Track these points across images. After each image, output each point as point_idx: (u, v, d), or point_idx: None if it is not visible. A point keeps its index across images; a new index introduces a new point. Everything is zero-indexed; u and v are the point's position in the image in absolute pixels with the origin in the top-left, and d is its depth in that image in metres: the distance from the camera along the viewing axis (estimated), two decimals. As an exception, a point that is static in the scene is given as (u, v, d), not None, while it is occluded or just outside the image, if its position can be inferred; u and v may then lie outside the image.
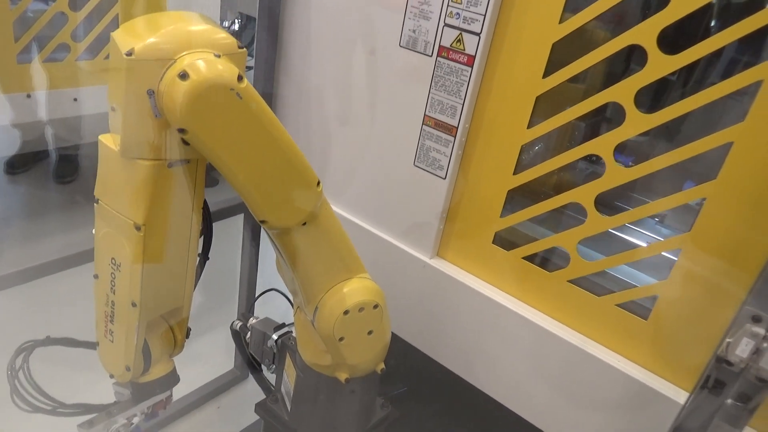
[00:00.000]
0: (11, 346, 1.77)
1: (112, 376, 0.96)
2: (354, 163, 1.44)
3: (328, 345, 0.92)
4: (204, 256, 0.96)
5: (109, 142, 0.78)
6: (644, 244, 1.19)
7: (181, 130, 0.70)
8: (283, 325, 1.16)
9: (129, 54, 0.67)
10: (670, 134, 1.11)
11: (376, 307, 0.93)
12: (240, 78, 0.70)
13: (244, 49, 0.75)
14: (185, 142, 0.74)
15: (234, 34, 2.55)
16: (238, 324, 1.22)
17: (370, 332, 0.94)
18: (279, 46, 1.52)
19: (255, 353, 1.19)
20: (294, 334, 1.08)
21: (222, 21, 2.41)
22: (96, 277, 0.89)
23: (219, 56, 0.70)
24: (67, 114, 2.05)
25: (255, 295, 1.72)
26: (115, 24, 2.17)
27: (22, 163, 2.49)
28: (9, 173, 2.47)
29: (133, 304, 0.84)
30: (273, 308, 1.35)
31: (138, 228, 0.77)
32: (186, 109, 0.68)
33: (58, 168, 2.52)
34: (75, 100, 2.06)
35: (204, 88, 0.68)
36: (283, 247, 0.86)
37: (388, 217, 1.39)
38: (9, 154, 2.37)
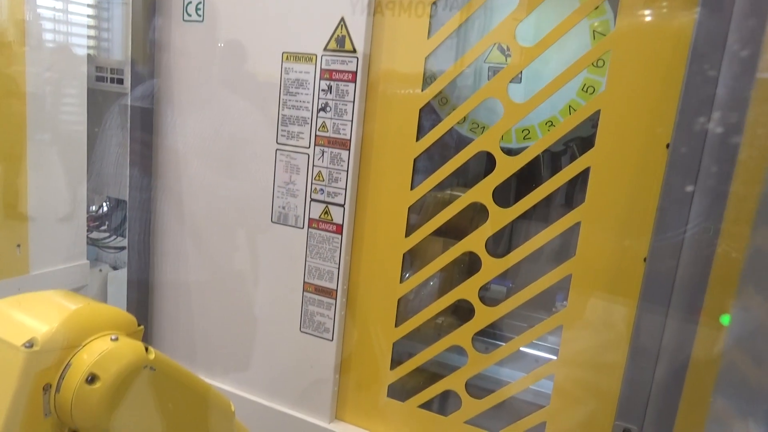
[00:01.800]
0: None
1: None
2: (241, 338, 1.43)
3: None
4: None
5: None
6: (547, 355, 1.26)
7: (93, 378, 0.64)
8: None
9: (29, 345, 0.61)
10: (521, 277, 1.24)
11: None
12: (146, 349, 0.68)
13: (142, 327, 0.74)
14: None
15: (102, 216, 2.52)
16: None
17: None
18: (153, 231, 1.53)
19: None
20: None
21: (89, 205, 2.38)
22: None
23: (117, 338, 0.66)
24: None
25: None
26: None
27: None
28: None
29: None
30: None
31: None
32: (105, 414, 0.63)
33: None
34: None
35: (119, 383, 0.64)
36: None
37: (281, 387, 1.37)
38: None
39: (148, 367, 0.67)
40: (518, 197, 1.09)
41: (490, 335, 1.28)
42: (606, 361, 1.04)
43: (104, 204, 2.38)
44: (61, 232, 2.33)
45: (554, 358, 1.13)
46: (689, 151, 0.90)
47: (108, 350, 0.64)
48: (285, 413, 1.34)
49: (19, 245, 2.15)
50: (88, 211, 2.35)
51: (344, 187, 1.20)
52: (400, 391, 1.28)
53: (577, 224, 1.04)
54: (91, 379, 0.62)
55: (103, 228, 2.45)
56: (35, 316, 0.66)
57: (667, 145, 0.94)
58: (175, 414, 0.75)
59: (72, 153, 2.40)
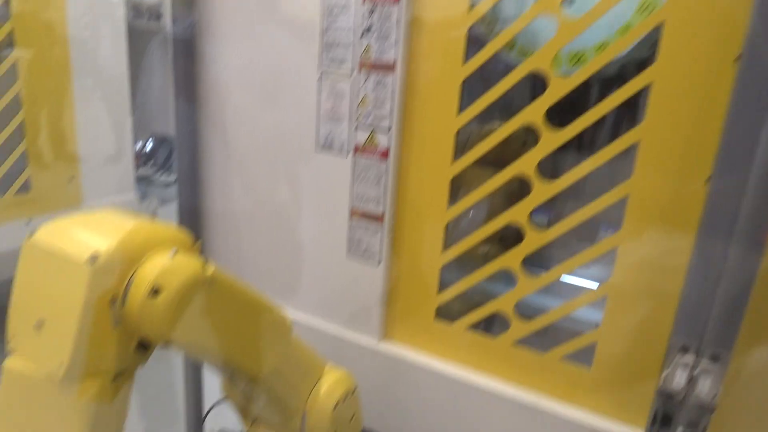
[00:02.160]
0: None
1: None
2: (289, 264, 1.46)
3: None
4: None
5: (22, 368, 0.66)
6: (591, 285, 1.26)
7: (166, 342, 0.68)
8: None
9: (93, 260, 0.63)
10: (578, 194, 1.22)
11: (354, 391, 0.94)
12: (205, 263, 0.69)
13: (200, 240, 0.75)
14: (144, 347, 0.70)
15: (148, 154, 2.57)
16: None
17: (352, 417, 0.95)
18: (200, 163, 1.56)
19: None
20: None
21: (135, 142, 2.43)
22: None
23: (176, 251, 0.68)
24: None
25: (202, 411, 1.65)
26: (22, 160, 2.14)
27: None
28: None
29: None
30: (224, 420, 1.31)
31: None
32: (169, 325, 0.66)
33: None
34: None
35: (182, 295, 0.66)
36: (262, 383, 0.85)
37: (329, 310, 1.42)
38: None
39: (208, 280, 0.69)
40: (571, 121, 1.06)
41: (537, 264, 1.27)
42: (662, 281, 1.02)
43: (149, 141, 2.43)
44: (109, 167, 2.39)
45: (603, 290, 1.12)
46: (761, 64, 0.84)
47: (169, 264, 0.66)
48: (334, 335, 1.39)
49: (73, 177, 2.23)
50: (134, 149, 2.40)
51: (389, 112, 1.18)
52: (448, 314, 1.30)
53: (632, 149, 1.00)
54: (155, 291, 0.64)
55: (149, 164, 2.50)
56: (96, 232, 0.68)
57: (737, 59, 0.88)
58: (235, 325, 0.78)
59: (115, 92, 2.44)
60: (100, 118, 2.33)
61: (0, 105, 2.02)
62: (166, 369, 2.14)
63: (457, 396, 1.26)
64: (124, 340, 0.69)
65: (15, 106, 2.06)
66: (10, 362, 0.67)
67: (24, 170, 2.13)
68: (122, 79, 2.36)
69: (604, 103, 1.01)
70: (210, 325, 0.73)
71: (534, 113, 1.08)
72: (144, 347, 0.71)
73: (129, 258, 0.66)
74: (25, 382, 0.67)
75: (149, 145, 2.44)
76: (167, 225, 0.73)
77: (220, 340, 0.75)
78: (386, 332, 1.37)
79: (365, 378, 1.40)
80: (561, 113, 1.10)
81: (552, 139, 1.08)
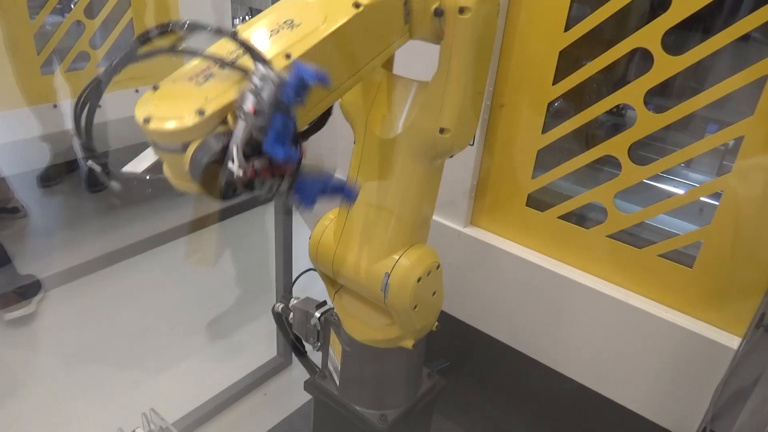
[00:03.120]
0: (60, 341, 1.83)
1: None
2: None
3: (401, 317, 0.92)
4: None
5: None
6: (681, 192, 1.17)
7: (463, 9, 0.72)
8: (324, 303, 1.16)
9: None
10: (699, 78, 1.08)
11: (438, 267, 0.94)
12: None
13: None
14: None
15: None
16: (280, 306, 1.23)
17: (434, 293, 0.95)
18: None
19: (299, 333, 1.20)
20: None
21: (234, 17, 2.42)
22: None
23: None
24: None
25: (292, 278, 1.73)
26: (129, 29, 2.20)
27: (55, 175, 2.55)
28: (44, 186, 2.54)
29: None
30: (310, 290, 1.36)
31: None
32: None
33: (89, 177, 2.57)
34: (99, 107, 2.10)
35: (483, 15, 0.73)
36: (415, 177, 0.85)
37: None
38: (41, 167, 2.43)
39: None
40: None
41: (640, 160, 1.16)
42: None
43: (247, 16, 2.42)
44: (209, 42, 2.42)
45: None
46: None
47: None
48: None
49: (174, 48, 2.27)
50: (232, 24, 2.40)
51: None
52: (540, 203, 1.24)
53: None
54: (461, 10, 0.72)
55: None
56: None
57: None
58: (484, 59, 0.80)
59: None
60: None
61: (108, -27, 2.06)
62: (262, 245, 2.26)
63: (542, 284, 1.23)
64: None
65: (121, -26, 2.09)
66: None
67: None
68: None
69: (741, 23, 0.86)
70: (484, 33, 0.76)
71: (649, 36, 0.93)
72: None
73: None
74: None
75: (247, 19, 2.44)
76: None
77: (478, 58, 0.77)
78: (473, 217, 1.34)
79: (446, 263, 1.39)
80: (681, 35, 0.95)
81: (667, 65, 0.93)
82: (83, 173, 2.59)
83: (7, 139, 1.93)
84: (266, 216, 1.70)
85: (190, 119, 0.56)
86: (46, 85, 1.95)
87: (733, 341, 1.02)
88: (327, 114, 0.85)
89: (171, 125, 0.55)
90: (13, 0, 1.80)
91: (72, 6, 2.05)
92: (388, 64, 0.87)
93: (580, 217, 1.22)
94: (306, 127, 0.79)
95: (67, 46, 2.02)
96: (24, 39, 1.86)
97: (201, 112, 0.56)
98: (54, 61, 2.01)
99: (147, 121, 0.57)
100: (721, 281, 1.03)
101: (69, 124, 2.07)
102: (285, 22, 0.67)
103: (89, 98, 0.63)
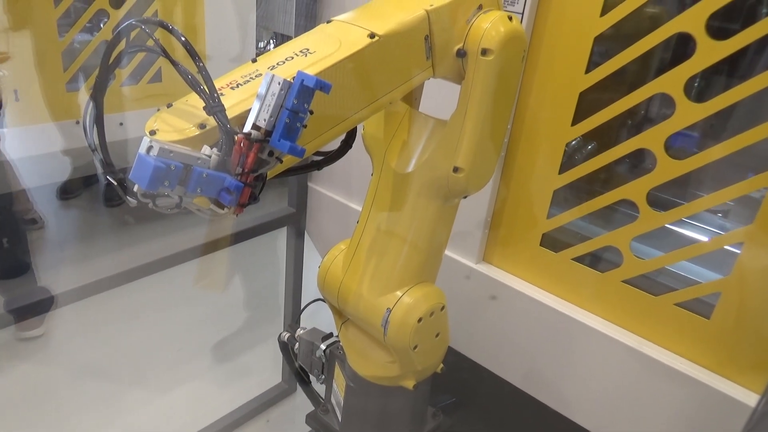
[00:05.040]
0: (68, 358, 1.83)
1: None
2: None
3: (400, 355, 0.90)
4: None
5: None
6: (704, 238, 1.14)
7: (485, 51, 0.73)
8: (330, 335, 1.15)
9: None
10: (723, 124, 1.06)
11: (442, 308, 0.92)
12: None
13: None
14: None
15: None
16: (286, 335, 1.22)
17: (437, 335, 0.93)
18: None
19: (303, 364, 1.19)
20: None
21: (258, 41, 2.46)
22: None
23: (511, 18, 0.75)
24: (113, 138, 2.12)
25: (300, 306, 1.72)
26: (152, 54, 2.24)
27: (74, 189, 2.58)
28: (62, 198, 2.57)
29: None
30: (319, 319, 1.35)
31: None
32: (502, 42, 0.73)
33: (106, 192, 2.61)
34: (120, 124, 2.13)
35: (518, 33, 0.74)
36: (428, 215, 0.84)
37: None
38: (61, 180, 2.47)
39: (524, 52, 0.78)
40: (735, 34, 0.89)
41: (661, 202, 1.14)
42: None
43: (271, 40, 2.45)
44: (232, 65, 2.45)
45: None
46: None
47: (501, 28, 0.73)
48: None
49: (197, 72, 2.31)
50: (256, 47, 2.43)
51: (521, 10, 1.07)
52: (554, 244, 1.22)
53: None
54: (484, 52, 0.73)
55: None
56: None
57: None
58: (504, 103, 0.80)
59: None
60: (226, 14, 2.38)
61: (137, -6, 2.11)
62: (272, 271, 2.26)
63: (554, 326, 1.20)
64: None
65: (150, -5, 2.14)
66: None
67: (156, 60, 2.24)
68: (251, -21, 2.38)
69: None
70: (506, 78, 0.76)
71: (693, 19, 0.92)
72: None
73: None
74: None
75: (271, 44, 2.47)
76: None
77: (498, 101, 0.77)
78: (485, 254, 1.32)
79: (457, 299, 1.38)
80: (723, 24, 0.93)
81: (710, 52, 0.92)
82: (101, 187, 2.62)
83: (30, 153, 1.96)
84: (278, 241, 1.70)
85: (191, 131, 0.59)
86: (70, 101, 1.99)
87: (751, 398, 0.98)
88: (348, 143, 0.85)
89: (173, 137, 0.58)
90: (44, 18, 1.85)
91: (101, 26, 2.10)
92: (412, 99, 0.87)
93: (594, 259, 1.19)
94: (320, 154, 0.81)
95: (93, 63, 2.06)
96: (52, 56, 1.90)
97: (203, 126, 0.59)
98: (80, 78, 2.05)
99: (153, 133, 0.59)
100: (739, 335, 1.00)
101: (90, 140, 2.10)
102: (301, 51, 0.69)
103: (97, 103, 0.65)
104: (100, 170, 0.68)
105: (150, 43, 0.65)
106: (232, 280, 2.27)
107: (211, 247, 1.61)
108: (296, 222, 1.65)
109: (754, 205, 0.96)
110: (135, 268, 1.41)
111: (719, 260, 1.13)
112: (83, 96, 2.03)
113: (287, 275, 1.73)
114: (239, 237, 1.60)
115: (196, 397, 1.78)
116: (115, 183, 0.66)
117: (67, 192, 2.57)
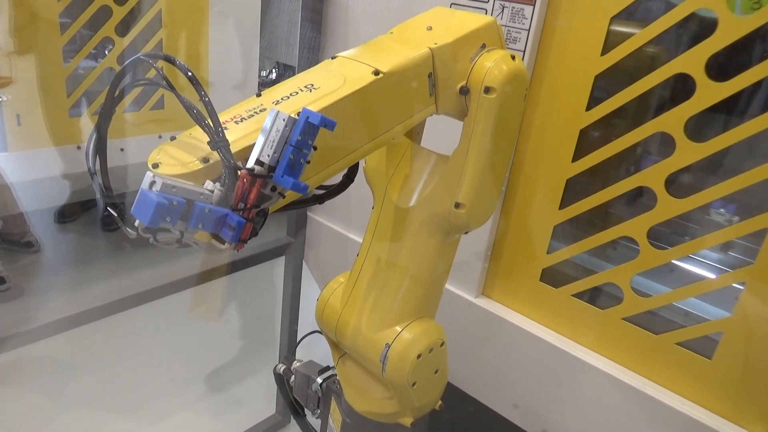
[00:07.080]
0: (59, 386, 1.80)
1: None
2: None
3: (398, 392, 0.89)
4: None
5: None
6: (708, 275, 1.13)
7: (488, 89, 0.73)
8: (327, 368, 1.13)
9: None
10: (723, 164, 1.07)
11: (442, 344, 0.91)
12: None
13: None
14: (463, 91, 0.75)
15: (272, 82, 2.62)
16: (282, 367, 1.20)
17: (436, 371, 0.91)
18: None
19: (299, 397, 1.16)
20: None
21: (260, 70, 2.49)
22: None
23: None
24: (114, 164, 2.12)
25: (297, 338, 1.70)
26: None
27: (72, 212, 2.58)
28: (60, 222, 2.56)
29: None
30: (315, 351, 1.33)
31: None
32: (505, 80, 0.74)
33: (104, 216, 2.60)
34: (121, 150, 2.14)
35: (520, 72, 0.75)
36: (429, 249, 0.84)
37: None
38: (59, 204, 2.46)
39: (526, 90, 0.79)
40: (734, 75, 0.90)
41: (663, 236, 1.14)
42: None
43: (273, 70, 2.48)
44: (235, 93, 2.47)
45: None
46: None
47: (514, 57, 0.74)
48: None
49: (200, 100, 2.33)
50: (258, 76, 2.46)
51: (524, 47, 1.08)
52: (555, 279, 1.21)
53: None
54: (487, 90, 0.74)
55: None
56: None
57: None
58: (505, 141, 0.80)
59: (246, 23, 2.49)
60: (230, 43, 2.40)
61: (142, 23, 2.14)
62: (269, 301, 2.25)
63: (554, 363, 1.18)
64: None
65: (156, 24, 2.16)
66: None
67: (159, 88, 2.26)
68: (254, 9, 2.41)
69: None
70: (508, 116, 0.76)
71: (693, 60, 0.93)
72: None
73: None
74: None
75: (273, 74, 2.50)
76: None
77: (500, 138, 0.77)
78: (485, 288, 1.31)
79: (455, 333, 1.36)
80: (723, 65, 0.94)
81: (709, 93, 0.93)
82: (99, 212, 2.62)
83: (30, 177, 1.96)
84: (276, 271, 1.69)
85: (194, 165, 0.58)
86: (72, 126, 2.00)
87: (756, 443, 0.96)
88: (350, 178, 0.85)
89: (176, 170, 0.57)
90: (50, 45, 1.87)
91: (106, 53, 2.12)
92: (414, 133, 0.87)
93: (595, 295, 1.19)
94: (323, 188, 0.80)
95: (97, 89, 2.08)
96: (56, 82, 1.91)
97: (206, 160, 0.59)
98: (82, 103, 2.06)
99: (155, 166, 0.59)
100: (742, 375, 0.99)
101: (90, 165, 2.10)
102: (306, 86, 0.69)
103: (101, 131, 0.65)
104: (98, 195, 0.68)
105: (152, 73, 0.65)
106: (228, 309, 2.25)
107: (208, 275, 1.60)
108: (294, 252, 1.65)
109: (756, 241, 0.96)
110: (128, 296, 1.40)
111: (722, 296, 1.12)
112: (85, 121, 2.04)
113: (284, 305, 1.71)
114: (236, 266, 1.59)
115: (189, 427, 1.75)
116: (115, 215, 0.65)
117: (64, 216, 2.56)
